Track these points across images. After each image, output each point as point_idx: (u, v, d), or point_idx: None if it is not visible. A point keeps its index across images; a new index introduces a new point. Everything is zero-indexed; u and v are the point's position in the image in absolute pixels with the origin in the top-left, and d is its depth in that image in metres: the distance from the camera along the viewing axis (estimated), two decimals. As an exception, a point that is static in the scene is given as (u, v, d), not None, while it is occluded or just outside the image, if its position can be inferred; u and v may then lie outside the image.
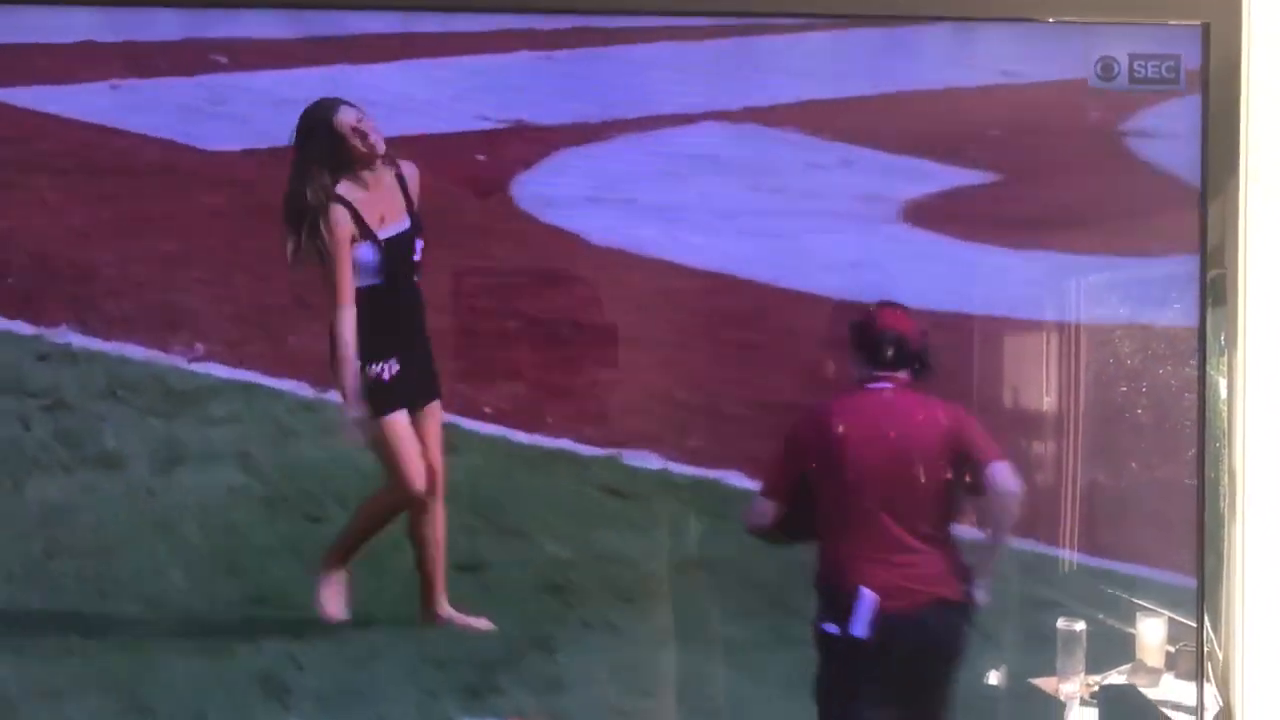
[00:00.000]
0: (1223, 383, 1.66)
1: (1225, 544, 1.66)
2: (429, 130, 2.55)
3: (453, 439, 2.53)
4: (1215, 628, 1.65)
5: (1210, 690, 1.64)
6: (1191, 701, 1.70)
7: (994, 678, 1.98)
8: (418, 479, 2.50)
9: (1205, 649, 1.66)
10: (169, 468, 2.47)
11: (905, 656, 2.28)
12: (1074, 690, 1.72)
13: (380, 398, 2.49)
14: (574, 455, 2.55)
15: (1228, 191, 1.70)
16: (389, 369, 2.48)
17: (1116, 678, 1.72)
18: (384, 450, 2.50)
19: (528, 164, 2.55)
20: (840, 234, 2.54)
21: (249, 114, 2.50)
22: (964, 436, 2.32)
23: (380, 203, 2.48)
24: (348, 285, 2.46)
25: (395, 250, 2.48)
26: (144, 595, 2.43)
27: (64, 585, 2.44)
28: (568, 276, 2.56)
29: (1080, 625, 1.74)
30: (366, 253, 2.47)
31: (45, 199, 2.48)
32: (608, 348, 2.54)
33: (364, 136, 2.42)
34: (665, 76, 2.54)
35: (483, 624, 2.46)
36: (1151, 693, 1.71)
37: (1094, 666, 1.76)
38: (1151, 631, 1.72)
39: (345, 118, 2.42)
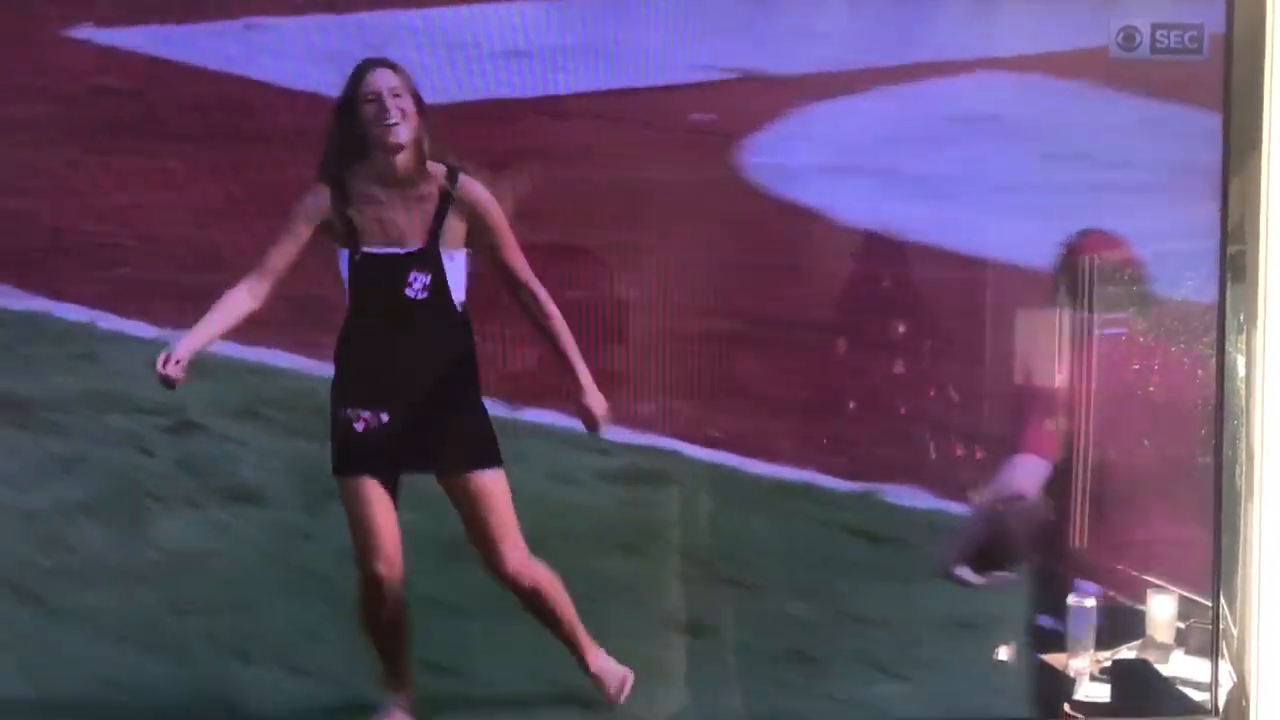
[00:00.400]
0: (1241, 361, 1.58)
1: (1241, 522, 1.59)
2: (634, 83, 2.03)
3: (670, 468, 2.04)
4: (1230, 605, 1.58)
5: (1225, 667, 1.57)
6: (1201, 677, 1.63)
7: (1004, 653, 1.79)
8: (370, 556, 1.94)
9: (1220, 626, 1.59)
10: (323, 503, 1.99)
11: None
12: (1084, 665, 1.64)
13: (342, 451, 1.96)
14: (820, 490, 2.05)
15: (1249, 166, 1.62)
16: (368, 419, 1.95)
17: (1126, 653, 1.64)
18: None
19: (759, 124, 2.04)
20: (1151, 210, 2.01)
21: (417, 61, 1.99)
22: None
23: (394, 213, 1.94)
24: (268, 262, 1.93)
25: (371, 273, 1.94)
26: (295, 662, 1.97)
27: (195, 649, 1.98)
28: (808, 265, 2.06)
29: (1091, 601, 1.65)
30: (341, 264, 1.95)
31: (165, 167, 1.99)
32: (860, 355, 2.05)
33: (382, 113, 1.90)
34: (933, 14, 2.02)
35: (614, 678, 2.00)
36: (1162, 669, 1.66)
37: (1104, 642, 1.67)
38: (1162, 608, 1.65)
39: (375, 81, 1.92)
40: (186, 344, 1.90)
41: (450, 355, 1.97)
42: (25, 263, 1.99)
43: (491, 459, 1.97)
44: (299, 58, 1.96)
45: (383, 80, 1.91)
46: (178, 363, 1.88)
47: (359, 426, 1.94)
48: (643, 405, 2.05)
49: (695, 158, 2.04)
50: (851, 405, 2.04)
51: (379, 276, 1.94)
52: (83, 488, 1.98)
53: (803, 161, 2.04)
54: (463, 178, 1.95)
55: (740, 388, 2.05)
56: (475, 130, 2.01)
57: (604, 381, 2.04)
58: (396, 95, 1.91)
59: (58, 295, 1.99)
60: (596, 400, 1.99)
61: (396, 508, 1.96)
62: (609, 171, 2.02)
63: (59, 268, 2.00)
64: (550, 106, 2.02)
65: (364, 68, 1.92)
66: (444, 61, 1.99)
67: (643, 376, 2.05)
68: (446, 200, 1.94)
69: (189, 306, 1.97)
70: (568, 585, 2.02)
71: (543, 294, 1.97)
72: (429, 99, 1.98)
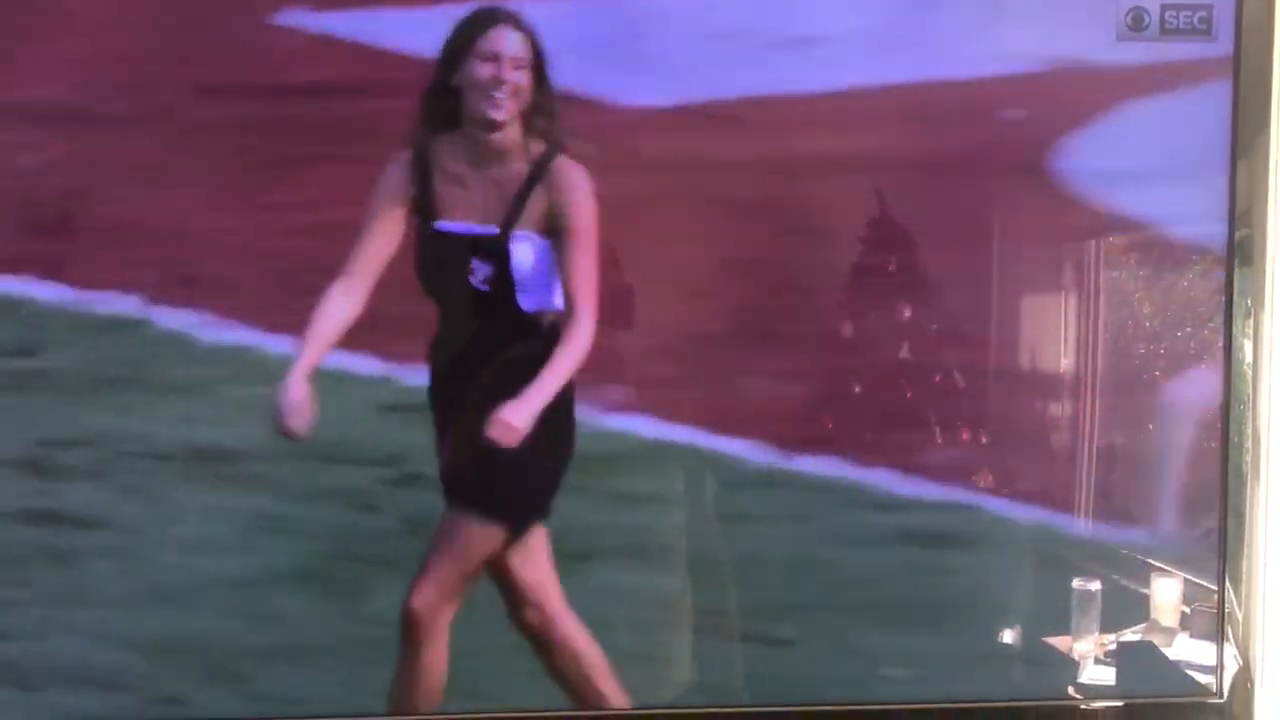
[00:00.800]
0: (1248, 345, 1.57)
1: (1247, 506, 1.57)
2: (921, 76, 1.72)
3: (974, 527, 1.74)
4: (1236, 589, 1.57)
5: (1230, 650, 1.56)
6: (1205, 660, 1.60)
7: (1008, 637, 1.67)
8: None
9: (1226, 610, 1.57)
10: (576, 570, 1.70)
11: None
12: (1088, 649, 1.60)
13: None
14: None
15: (1257, 149, 1.57)
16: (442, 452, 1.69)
17: (1131, 637, 1.61)
18: None
19: (1079, 123, 1.73)
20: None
21: (678, 52, 1.70)
22: None
23: (476, 188, 1.65)
24: (357, 259, 1.64)
25: (436, 253, 1.65)
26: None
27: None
28: (1138, 289, 1.75)
29: (1095, 585, 1.61)
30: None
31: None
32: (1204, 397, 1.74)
33: (494, 82, 1.61)
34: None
35: None
36: (1167, 652, 1.63)
37: (1108, 625, 1.62)
38: (1166, 591, 1.62)
39: (498, 41, 1.62)
40: (300, 382, 1.62)
41: (505, 369, 1.66)
42: (225, 288, 1.70)
43: (498, 511, 1.67)
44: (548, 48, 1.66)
45: (508, 43, 1.61)
46: (301, 405, 1.61)
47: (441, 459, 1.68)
48: (940, 452, 1.75)
49: (1005, 162, 1.74)
50: (1193, 453, 1.73)
51: (443, 259, 1.65)
52: (293, 552, 1.69)
53: (1136, 166, 1.73)
54: (561, 159, 1.64)
55: (1055, 432, 1.74)
56: (745, 132, 1.71)
57: (895, 421, 1.74)
58: (518, 66, 1.61)
59: (264, 326, 1.70)
60: (515, 415, 1.62)
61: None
62: (903, 179, 1.72)
63: (264, 293, 1.70)
64: (835, 103, 1.72)
65: (488, 19, 1.62)
66: (716, 51, 1.69)
67: (940, 417, 1.75)
68: (534, 180, 1.64)
69: (420, 339, 1.68)
70: (851, 666, 1.73)
71: (580, 324, 1.64)
72: (691, 96, 1.70)
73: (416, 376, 1.70)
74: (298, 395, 1.62)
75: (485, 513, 1.67)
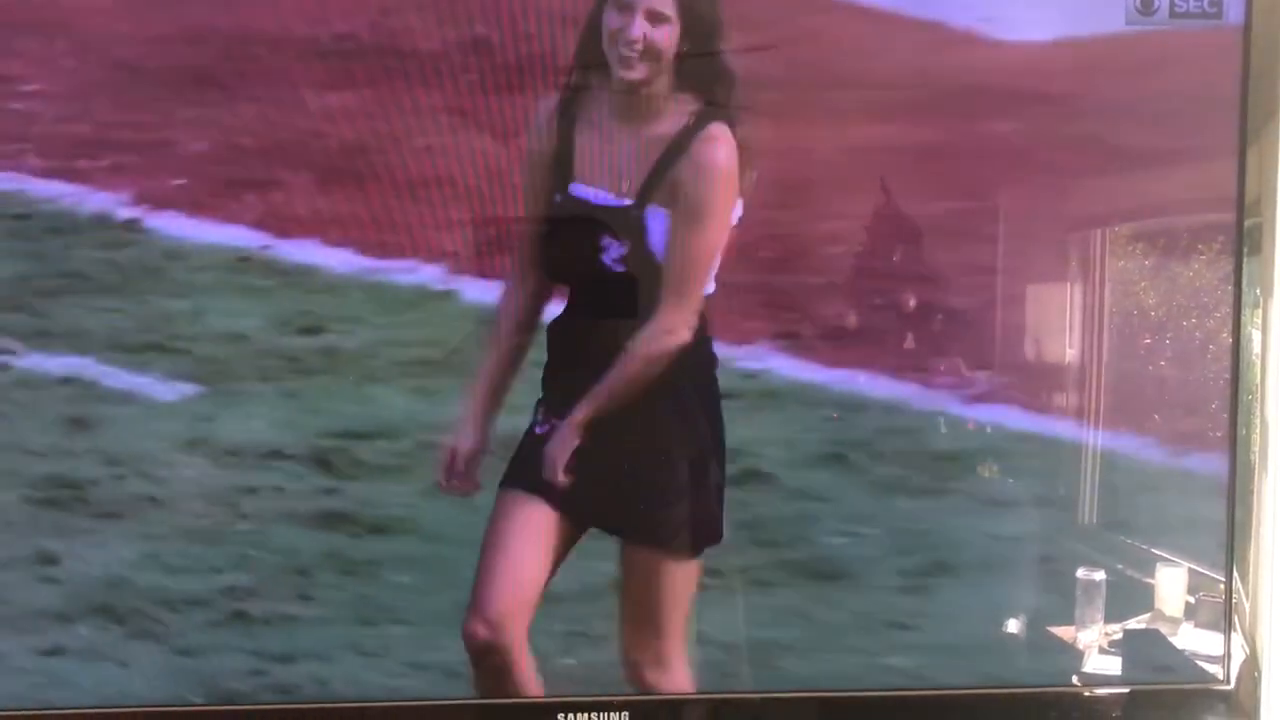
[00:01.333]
0: (1256, 335, 1.52)
1: (1255, 497, 1.54)
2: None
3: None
4: (1243, 579, 1.53)
5: (1237, 639, 1.53)
6: (1209, 650, 1.56)
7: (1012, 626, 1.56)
8: (473, 604, 1.44)
9: (1232, 600, 1.54)
10: (935, 585, 1.48)
11: None
12: (1092, 638, 1.55)
13: (515, 456, 1.46)
14: None
15: (1266, 136, 1.50)
16: (555, 424, 1.44)
17: (1135, 626, 1.57)
18: None
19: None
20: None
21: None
22: None
23: (615, 150, 1.41)
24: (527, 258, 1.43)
25: (565, 222, 1.42)
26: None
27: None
28: None
29: (1099, 575, 1.55)
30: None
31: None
32: None
33: (624, 38, 1.37)
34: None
35: None
36: (1173, 642, 1.59)
37: (1111, 615, 1.56)
38: (1171, 581, 1.57)
39: None
40: (473, 434, 1.44)
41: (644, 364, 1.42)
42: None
43: (681, 541, 1.47)
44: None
45: None
46: (464, 463, 1.43)
47: (540, 430, 1.44)
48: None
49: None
50: None
51: (572, 228, 1.41)
52: (605, 557, 1.47)
53: None
54: (713, 128, 1.40)
55: None
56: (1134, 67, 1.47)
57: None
58: (658, 21, 1.37)
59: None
60: (562, 447, 1.42)
61: (558, 561, 1.46)
62: None
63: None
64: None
65: None
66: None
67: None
68: (678, 147, 1.40)
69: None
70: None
71: (656, 319, 1.41)
72: (1073, 30, 1.45)
73: (747, 359, 1.47)
74: (476, 447, 1.43)
75: (676, 547, 1.47)
